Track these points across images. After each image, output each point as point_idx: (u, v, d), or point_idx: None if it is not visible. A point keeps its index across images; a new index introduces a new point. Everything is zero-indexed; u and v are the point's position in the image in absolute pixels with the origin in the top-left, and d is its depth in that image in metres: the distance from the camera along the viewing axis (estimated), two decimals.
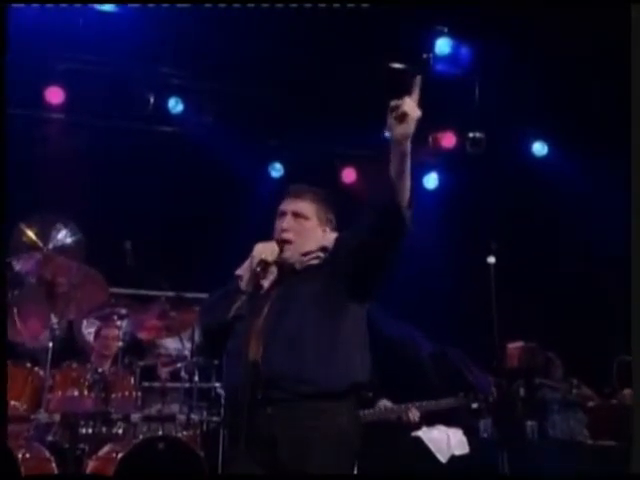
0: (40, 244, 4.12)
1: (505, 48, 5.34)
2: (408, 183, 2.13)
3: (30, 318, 4.05)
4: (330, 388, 2.20)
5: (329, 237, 2.45)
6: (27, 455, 3.59)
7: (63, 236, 4.18)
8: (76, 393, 3.97)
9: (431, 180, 6.47)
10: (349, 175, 6.47)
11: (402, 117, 2.03)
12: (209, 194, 5.74)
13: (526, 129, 6.19)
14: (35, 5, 4.87)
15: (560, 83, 5.59)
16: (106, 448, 3.81)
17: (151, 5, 4.91)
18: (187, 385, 4.40)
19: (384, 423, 3.70)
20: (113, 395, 4.07)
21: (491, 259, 4.21)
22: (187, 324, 4.43)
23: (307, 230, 2.43)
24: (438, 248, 5.85)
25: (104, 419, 3.98)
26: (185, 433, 4.11)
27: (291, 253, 2.39)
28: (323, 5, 4.76)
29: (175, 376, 4.54)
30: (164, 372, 4.53)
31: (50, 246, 4.13)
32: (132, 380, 4.22)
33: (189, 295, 4.48)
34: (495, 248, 4.23)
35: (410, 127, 2.05)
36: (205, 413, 4.30)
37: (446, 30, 5.24)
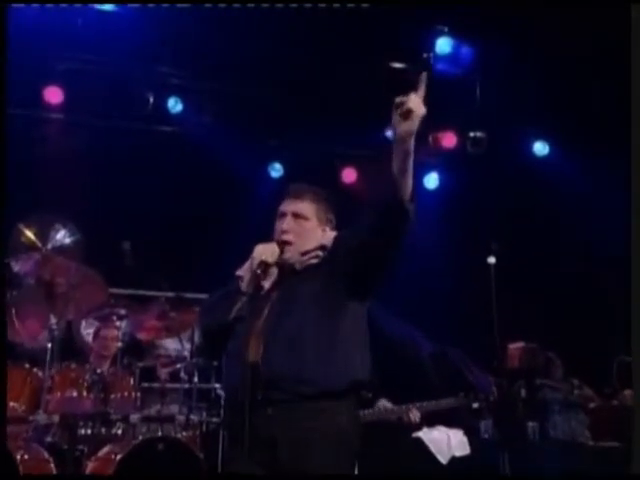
0: (39, 244, 4.11)
1: (506, 48, 5.33)
2: (410, 180, 2.12)
3: (29, 319, 4.04)
4: (330, 387, 2.19)
5: (328, 236, 2.45)
6: (26, 456, 3.57)
7: (62, 236, 4.17)
8: (75, 394, 3.94)
9: (432, 180, 6.46)
10: (349, 175, 6.46)
11: (407, 114, 2.02)
12: (209, 194, 5.73)
13: (527, 129, 6.18)
14: (35, 5, 4.86)
15: (560, 83, 5.59)
16: (105, 449, 3.80)
17: (151, 5, 4.90)
18: (186, 386, 4.38)
19: (384, 424, 3.70)
20: (112, 396, 4.05)
21: (491, 259, 4.20)
22: (187, 325, 4.42)
23: (307, 231, 2.42)
24: (438, 248, 5.84)
25: (103, 420, 3.96)
26: (184, 434, 4.10)
27: (291, 254, 2.39)
28: (323, 5, 4.76)
29: (174, 377, 4.53)
30: (163, 373, 4.51)
31: (49, 246, 4.12)
32: (131, 381, 4.20)
33: (189, 295, 4.47)
34: (496, 248, 4.22)
35: (414, 124, 2.03)
36: (205, 414, 4.29)
37: (446, 29, 5.23)
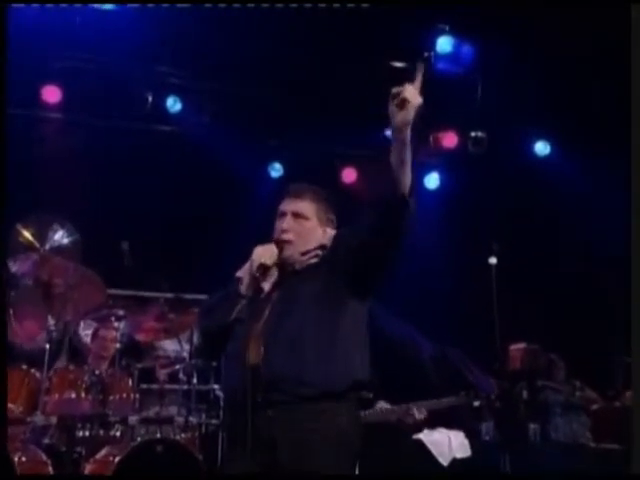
0: (37, 245, 4.10)
1: (506, 47, 5.32)
2: (409, 172, 2.12)
3: (26, 319, 4.03)
4: (330, 388, 2.19)
5: (329, 235, 2.44)
6: (23, 458, 3.57)
7: (60, 237, 4.16)
8: (73, 395, 3.94)
9: (432, 180, 6.44)
10: (349, 175, 6.44)
11: (402, 103, 2.03)
12: (208, 194, 5.72)
13: (528, 129, 6.16)
14: (34, 5, 4.84)
15: (560, 83, 5.58)
16: (103, 451, 3.79)
17: (150, 5, 4.88)
18: (185, 387, 4.37)
19: (385, 425, 3.67)
20: (110, 397, 4.03)
21: (492, 260, 4.18)
22: (186, 326, 4.40)
23: (307, 230, 2.41)
24: (439, 248, 5.82)
25: (101, 422, 3.95)
26: (183, 435, 4.09)
27: (291, 253, 2.38)
28: (323, 5, 4.75)
29: (173, 378, 4.51)
30: (162, 374, 4.50)
31: (47, 247, 4.11)
32: (130, 382, 4.19)
33: (188, 296, 4.46)
34: (496, 249, 4.20)
35: (410, 114, 2.04)
36: (204, 415, 4.29)
37: (447, 28, 5.21)
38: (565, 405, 4.38)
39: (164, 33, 5.19)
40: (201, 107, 5.75)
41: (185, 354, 4.44)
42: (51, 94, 5.41)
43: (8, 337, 3.91)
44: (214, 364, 4.32)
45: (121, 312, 4.31)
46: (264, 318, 2.29)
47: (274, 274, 2.38)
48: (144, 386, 4.36)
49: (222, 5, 4.75)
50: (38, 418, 3.73)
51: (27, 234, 4.09)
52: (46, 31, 5.03)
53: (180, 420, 4.14)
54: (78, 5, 4.96)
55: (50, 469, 3.59)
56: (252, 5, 4.77)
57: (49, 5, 4.83)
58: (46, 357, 3.82)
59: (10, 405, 3.77)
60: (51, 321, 3.95)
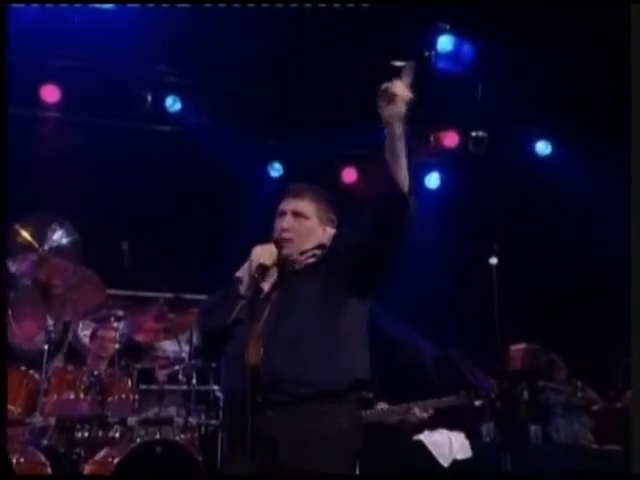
0: (35, 245, 4.09)
1: (508, 46, 5.31)
2: (404, 167, 2.13)
3: (25, 320, 4.01)
4: (330, 388, 2.18)
5: (329, 235, 2.43)
6: (22, 460, 3.55)
7: (59, 237, 4.15)
8: (72, 396, 3.92)
9: (433, 180, 6.42)
10: (349, 175, 6.42)
11: (391, 98, 2.08)
12: (207, 194, 5.71)
13: (528, 128, 6.15)
14: (33, 5, 4.83)
15: (560, 83, 5.58)
16: (102, 452, 3.77)
17: (149, 5, 4.87)
18: (185, 388, 4.35)
19: (385, 426, 3.66)
20: (109, 398, 4.02)
21: (493, 260, 4.17)
22: (185, 326, 4.39)
23: (307, 229, 2.41)
24: (439, 248, 5.81)
25: (100, 423, 3.94)
26: (183, 436, 4.08)
27: (291, 251, 2.38)
28: (323, 5, 4.75)
29: (173, 379, 4.49)
30: (162, 375, 4.49)
31: (46, 247, 4.10)
32: (129, 383, 4.17)
33: (187, 296, 4.44)
34: (497, 249, 4.18)
35: (399, 107, 2.08)
36: (203, 416, 4.28)
37: (448, 27, 5.20)
38: (566, 406, 4.36)
39: (163, 32, 5.19)
40: (200, 107, 5.73)
41: (184, 355, 4.42)
42: (50, 94, 5.40)
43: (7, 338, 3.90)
44: (214, 365, 4.31)
45: (120, 312, 4.30)
46: (264, 318, 2.29)
47: (273, 274, 2.37)
48: (143, 387, 4.34)
49: (222, 5, 4.74)
50: (37, 419, 3.71)
51: (26, 234, 4.08)
52: (45, 31, 5.02)
53: (179, 421, 4.12)
54: (77, 5, 4.94)
55: (49, 470, 3.57)
56: (252, 5, 4.77)
57: (48, 5, 4.82)
58: (45, 358, 3.81)
59: (9, 406, 3.75)
60: (50, 322, 3.93)
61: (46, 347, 3.84)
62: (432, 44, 5.35)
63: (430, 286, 5.70)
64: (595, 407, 4.52)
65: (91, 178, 5.49)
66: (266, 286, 2.34)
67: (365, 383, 2.28)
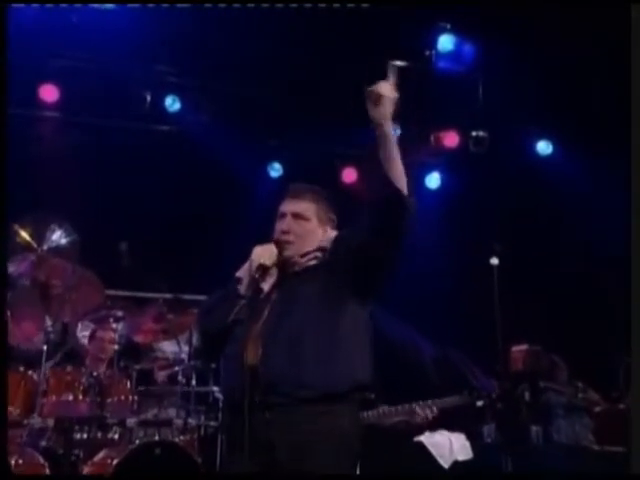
0: (34, 245, 4.08)
1: (509, 46, 5.30)
2: (400, 168, 2.15)
3: (24, 321, 4.00)
4: (330, 391, 2.17)
5: (329, 236, 2.42)
6: (20, 461, 3.54)
7: (58, 237, 4.14)
8: (70, 397, 3.91)
9: (433, 180, 6.41)
10: (349, 175, 6.41)
11: (377, 99, 2.13)
12: (207, 194, 5.69)
13: (529, 128, 6.14)
14: (33, 4, 4.83)
15: (560, 83, 5.57)
16: (101, 454, 3.76)
17: (149, 5, 4.86)
18: (184, 389, 4.33)
19: (386, 427, 3.64)
20: (108, 399, 4.01)
21: (494, 261, 4.15)
22: (184, 327, 4.38)
23: (307, 231, 2.40)
24: (440, 248, 5.79)
25: (99, 424, 3.93)
26: (182, 438, 4.07)
27: (291, 253, 2.37)
28: (323, 5, 4.75)
29: (172, 380, 4.48)
30: (161, 376, 4.48)
31: (44, 247, 4.09)
32: (128, 384, 4.16)
33: (187, 297, 4.43)
34: (498, 249, 4.17)
35: (386, 107, 2.13)
36: (203, 417, 4.26)
37: (449, 27, 5.19)
38: (567, 407, 4.35)
39: (163, 32, 5.18)
40: (200, 106, 5.72)
41: (184, 355, 4.41)
42: (48, 93, 5.39)
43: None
44: (213, 366, 4.29)
45: (119, 313, 4.30)
46: (263, 318, 2.28)
47: (273, 275, 2.36)
48: (142, 388, 4.32)
49: (222, 5, 4.74)
50: (35, 420, 3.71)
51: (24, 234, 4.07)
52: (44, 30, 5.02)
53: (179, 422, 4.12)
54: (77, 5, 4.93)
55: (47, 472, 3.56)
56: (252, 5, 4.77)
57: (48, 5, 4.82)
58: (43, 358, 3.79)
59: (7, 407, 3.74)
60: (48, 322, 3.92)
61: (45, 348, 3.83)
62: (433, 43, 5.35)
63: (431, 286, 5.69)
64: (596, 408, 4.51)
65: (90, 178, 5.48)
66: (266, 286, 2.33)
67: (366, 385, 2.27)
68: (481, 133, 5.94)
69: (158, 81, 5.59)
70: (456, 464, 3.77)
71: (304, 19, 4.95)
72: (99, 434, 3.91)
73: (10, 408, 3.76)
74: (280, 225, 2.40)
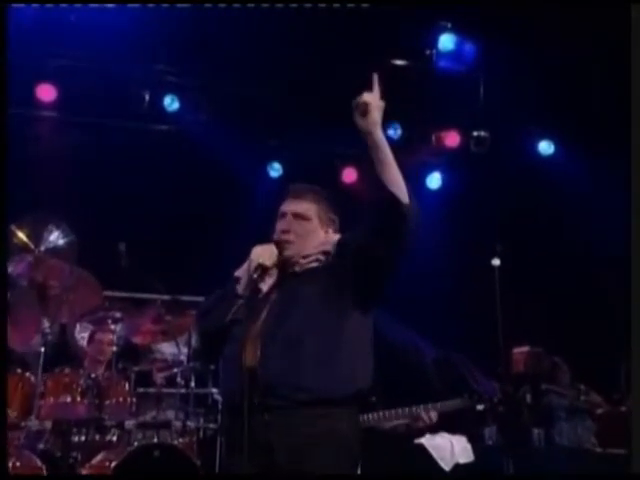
0: (31, 246, 4.06)
1: (509, 45, 5.29)
2: (393, 171, 2.15)
3: (21, 322, 3.96)
4: (329, 395, 2.16)
5: (331, 239, 2.40)
6: (17, 464, 3.52)
7: (55, 238, 4.12)
8: (68, 399, 3.90)
9: (434, 180, 6.40)
10: (349, 175, 6.39)
11: (364, 107, 2.14)
12: (206, 194, 5.68)
13: (530, 128, 6.13)
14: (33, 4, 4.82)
15: (560, 82, 5.57)
16: (99, 456, 3.74)
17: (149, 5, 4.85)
18: (183, 391, 4.31)
19: (386, 429, 3.61)
20: (107, 401, 4.00)
21: (495, 261, 4.13)
22: (183, 328, 4.36)
23: (308, 232, 2.38)
24: (441, 249, 5.76)
25: (97, 426, 3.90)
26: (181, 440, 4.04)
27: (291, 254, 2.35)
28: (323, 5, 4.74)
29: (171, 382, 4.45)
30: (159, 378, 4.45)
31: (42, 248, 4.07)
32: (126, 386, 4.15)
33: (185, 298, 4.41)
34: (500, 250, 4.14)
35: (374, 115, 2.14)
36: (202, 420, 4.24)
37: (449, 26, 5.17)
38: (570, 409, 4.33)
39: (162, 32, 5.18)
40: (199, 106, 5.70)
41: (183, 357, 4.39)
42: (45, 93, 5.36)
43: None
44: (212, 367, 4.26)
45: (118, 314, 4.27)
46: (262, 319, 2.27)
47: (273, 275, 2.35)
48: (141, 390, 4.31)
49: (222, 5, 4.72)
50: (33, 423, 3.69)
51: (22, 235, 4.05)
52: (42, 30, 5.02)
53: (178, 424, 4.10)
54: (76, 5, 4.92)
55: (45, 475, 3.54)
56: (252, 5, 4.76)
57: (47, 5, 4.81)
58: (41, 360, 3.77)
59: None
60: (46, 324, 3.89)
61: (42, 349, 3.81)
62: (433, 43, 5.34)
63: (431, 287, 5.67)
64: (599, 411, 4.49)
65: (88, 178, 5.47)
66: (265, 287, 2.32)
67: (366, 390, 2.25)
68: (482, 133, 5.93)
69: (157, 80, 5.58)
70: (457, 467, 3.74)
71: (304, 19, 4.95)
72: (97, 436, 3.88)
73: (8, 411, 3.73)
74: (280, 225, 2.38)
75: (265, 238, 2.39)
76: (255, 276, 2.27)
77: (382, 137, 2.17)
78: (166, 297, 4.32)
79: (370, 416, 3.50)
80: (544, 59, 5.47)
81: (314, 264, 2.35)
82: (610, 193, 5.24)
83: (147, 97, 5.49)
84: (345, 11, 4.83)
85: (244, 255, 2.36)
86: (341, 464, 2.16)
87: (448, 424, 3.82)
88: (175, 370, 4.40)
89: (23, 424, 3.71)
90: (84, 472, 3.67)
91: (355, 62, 5.26)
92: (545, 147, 6.20)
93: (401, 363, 3.73)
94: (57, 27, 5.05)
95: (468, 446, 3.86)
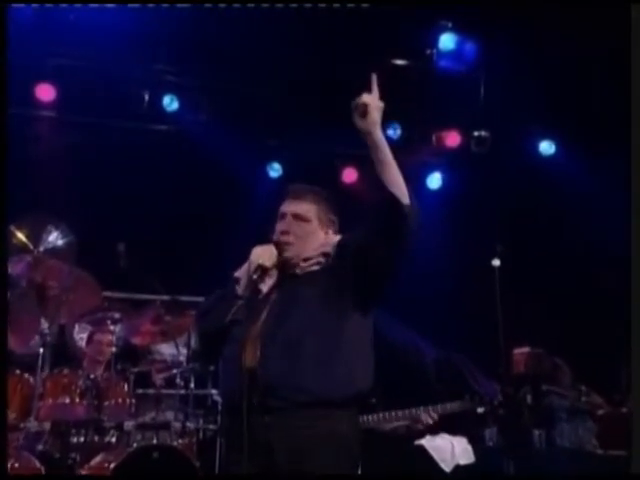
0: (30, 246, 4.05)
1: (510, 45, 5.29)
2: (393, 171, 2.16)
3: (20, 323, 3.95)
4: (329, 396, 2.15)
5: (331, 240, 2.40)
6: (16, 465, 3.52)
7: (54, 238, 4.11)
8: (67, 400, 3.90)
9: (435, 180, 6.39)
10: (349, 175, 6.38)
11: (363, 108, 2.15)
12: (205, 194, 5.67)
13: (531, 128, 6.12)
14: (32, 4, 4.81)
15: (560, 82, 5.57)
16: (98, 458, 3.74)
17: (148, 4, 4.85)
18: (183, 392, 4.32)
19: (386, 431, 3.61)
20: (106, 402, 4.00)
21: (496, 262, 4.12)
22: (183, 329, 4.36)
23: (308, 233, 2.38)
24: (441, 249, 5.75)
25: (96, 427, 3.89)
26: (180, 441, 4.04)
27: (291, 255, 2.35)
28: (323, 5, 4.74)
29: (170, 383, 4.46)
30: (159, 378, 4.44)
31: (41, 248, 4.07)
32: (126, 387, 4.16)
33: (185, 299, 4.40)
34: (500, 250, 4.13)
35: (373, 116, 2.15)
36: (201, 421, 4.24)
37: (450, 25, 5.17)
38: (570, 410, 4.31)
39: (161, 32, 5.19)
40: (198, 106, 5.70)
41: (182, 358, 4.39)
42: (45, 92, 5.35)
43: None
44: (212, 368, 4.26)
45: (117, 315, 4.28)
46: (261, 320, 2.27)
47: (273, 276, 2.35)
48: (140, 391, 4.33)
49: (222, 5, 4.72)
50: (31, 424, 3.68)
51: (21, 235, 4.05)
52: (43, 30, 5.03)
53: (177, 426, 4.09)
54: (76, 5, 4.91)
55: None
56: (252, 5, 4.75)
57: (47, 5, 4.81)
58: (39, 361, 3.76)
59: None
60: (45, 324, 3.88)
61: (41, 350, 3.80)
62: (434, 42, 5.33)
63: (432, 287, 5.66)
64: (600, 412, 4.48)
65: (87, 178, 5.46)
66: (264, 287, 2.32)
67: (366, 392, 2.25)
68: (483, 133, 5.93)
69: (156, 80, 5.57)
70: (458, 468, 3.73)
71: (304, 19, 4.94)
72: (96, 438, 3.87)
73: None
74: (280, 226, 2.38)
75: (265, 239, 2.39)
76: (255, 277, 2.28)
77: (382, 137, 2.17)
78: (165, 298, 4.31)
79: (370, 417, 3.49)
80: (544, 59, 5.48)
81: (315, 267, 2.34)
82: (610, 193, 5.24)
83: (147, 97, 5.50)
84: (345, 11, 4.84)
85: (244, 256, 2.36)
86: (341, 465, 2.16)
87: (448, 425, 3.81)
88: (174, 371, 4.40)
89: (22, 425, 3.71)
90: (83, 473, 3.67)
91: (355, 62, 5.27)
92: (546, 147, 6.19)
93: (401, 364, 3.72)
94: (57, 27, 5.05)
95: (469, 447, 3.85)
